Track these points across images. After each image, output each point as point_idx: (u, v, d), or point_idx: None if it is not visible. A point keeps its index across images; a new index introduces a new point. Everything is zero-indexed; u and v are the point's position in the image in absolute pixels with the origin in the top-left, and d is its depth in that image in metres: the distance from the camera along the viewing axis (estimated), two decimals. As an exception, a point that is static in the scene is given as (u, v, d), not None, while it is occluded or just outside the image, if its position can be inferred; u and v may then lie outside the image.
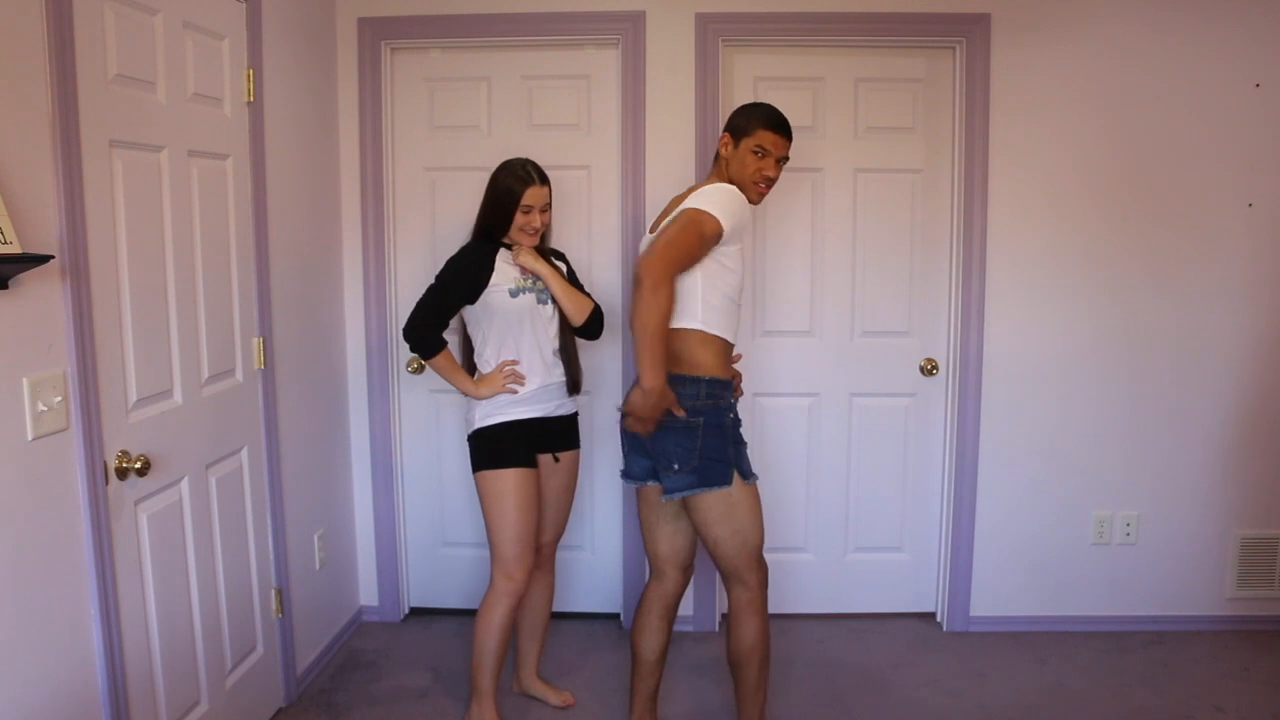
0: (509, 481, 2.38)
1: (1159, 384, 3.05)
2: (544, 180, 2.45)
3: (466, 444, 2.48)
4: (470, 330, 2.51)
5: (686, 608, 3.17)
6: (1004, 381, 3.06)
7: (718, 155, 2.33)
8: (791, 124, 3.00)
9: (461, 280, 2.41)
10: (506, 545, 2.39)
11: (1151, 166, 2.96)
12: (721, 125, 2.96)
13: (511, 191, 2.41)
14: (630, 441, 2.33)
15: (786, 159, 2.32)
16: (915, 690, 2.78)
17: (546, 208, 2.45)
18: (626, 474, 2.38)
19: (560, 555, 3.23)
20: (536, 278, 2.44)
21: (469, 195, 3.07)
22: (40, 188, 1.66)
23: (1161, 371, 3.05)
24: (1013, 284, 3.01)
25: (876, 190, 3.06)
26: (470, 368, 2.54)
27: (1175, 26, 2.89)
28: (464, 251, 2.47)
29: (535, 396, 2.44)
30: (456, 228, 3.09)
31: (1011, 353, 3.04)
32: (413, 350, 2.46)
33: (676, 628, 3.12)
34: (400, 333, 3.14)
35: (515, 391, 2.42)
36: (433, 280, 2.47)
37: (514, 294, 2.40)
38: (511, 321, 2.42)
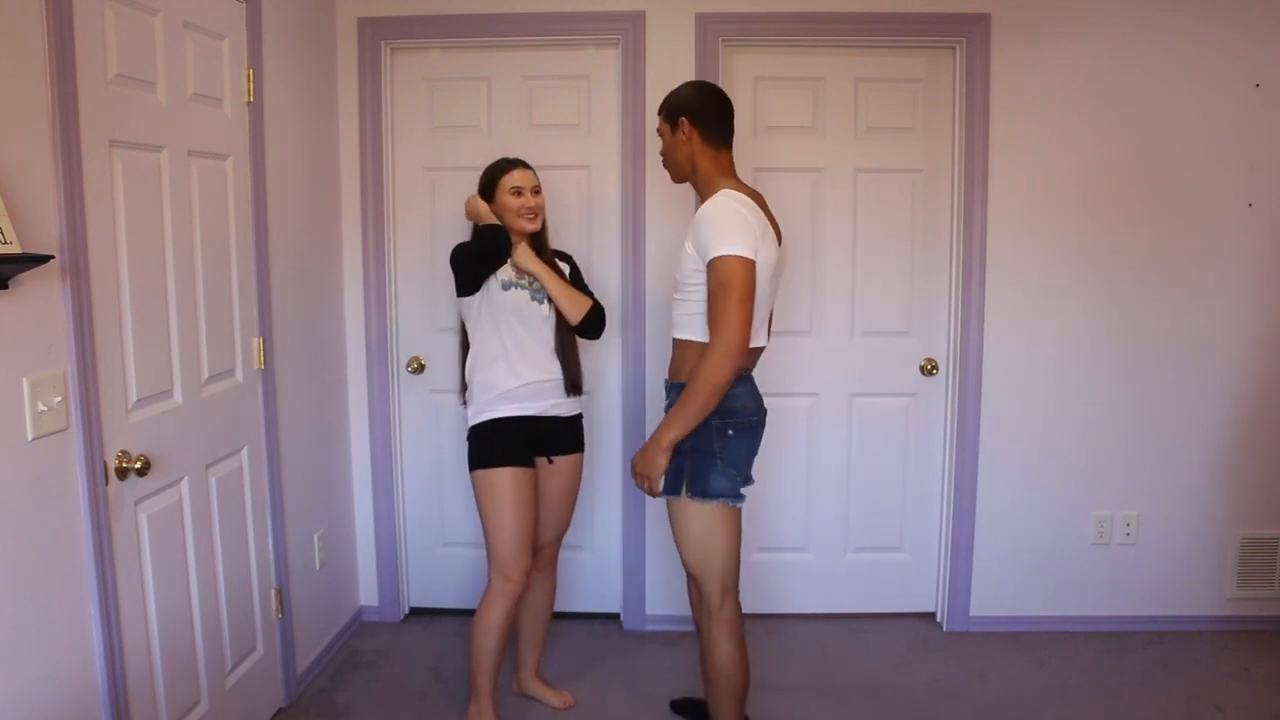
0: (502, 481, 2.37)
1: (1159, 384, 3.05)
2: (527, 166, 2.51)
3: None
4: (468, 327, 2.50)
5: (685, 607, 3.16)
6: (1004, 381, 3.06)
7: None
8: (791, 124, 3.05)
9: (494, 240, 2.34)
10: (502, 546, 2.38)
11: (1152, 166, 2.96)
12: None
13: (497, 173, 2.48)
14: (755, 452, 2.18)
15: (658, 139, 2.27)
16: (915, 690, 2.78)
17: (537, 190, 2.49)
18: (747, 483, 2.17)
19: (560, 555, 3.22)
20: (534, 278, 2.43)
21: (469, 195, 3.08)
22: (40, 188, 1.66)
23: (1161, 371, 3.05)
24: (1013, 284, 3.01)
25: (876, 190, 3.06)
26: (463, 379, 2.54)
27: (1175, 27, 2.89)
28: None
29: (527, 394, 2.42)
30: (456, 228, 3.09)
31: (1011, 353, 3.04)
32: (497, 255, 2.36)
33: (680, 628, 3.14)
34: (399, 330, 3.16)
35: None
36: (454, 256, 2.45)
37: (505, 287, 2.40)
38: (499, 314, 2.41)
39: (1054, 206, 2.98)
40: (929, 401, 3.16)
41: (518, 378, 2.41)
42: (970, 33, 2.91)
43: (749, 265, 1.94)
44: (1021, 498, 3.11)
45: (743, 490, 2.13)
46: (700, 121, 2.12)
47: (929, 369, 3.12)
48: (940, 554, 3.21)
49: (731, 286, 1.94)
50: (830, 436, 3.17)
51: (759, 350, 2.17)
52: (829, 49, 3.00)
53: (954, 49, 2.98)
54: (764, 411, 2.17)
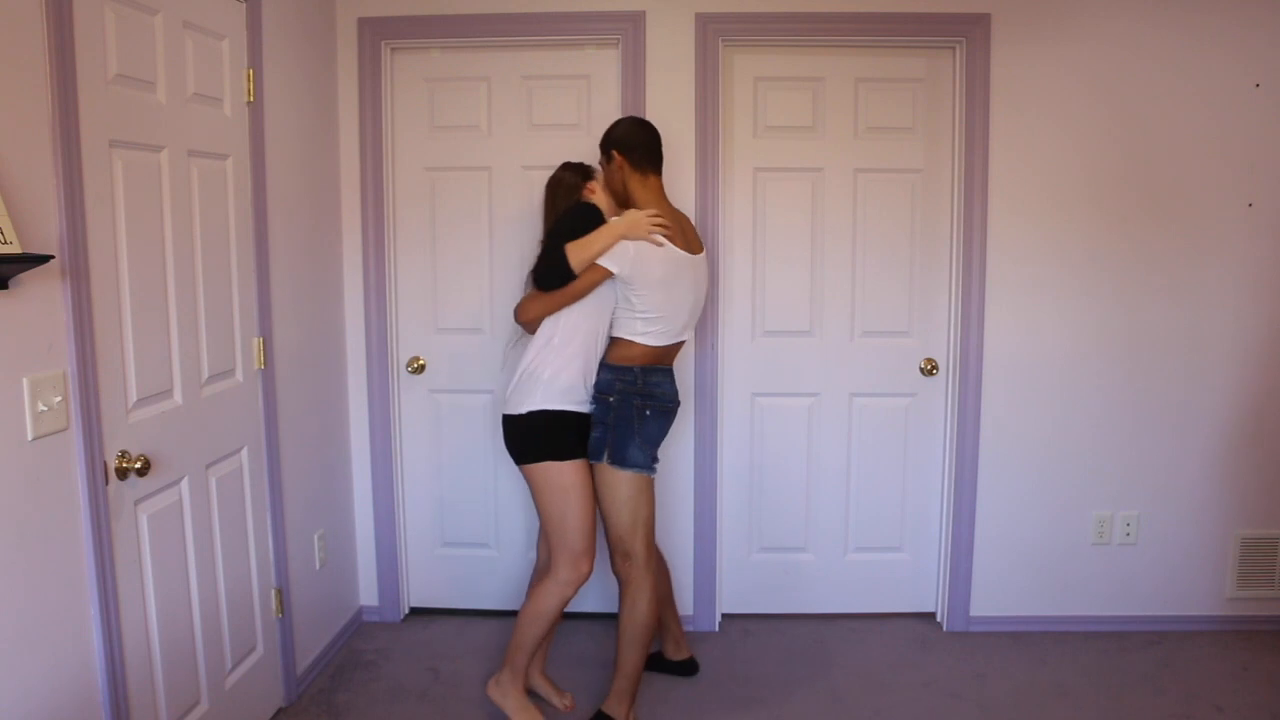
0: (573, 474, 2.38)
1: (1159, 383, 3.05)
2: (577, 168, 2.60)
3: (503, 425, 2.44)
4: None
5: (685, 607, 3.17)
6: (1004, 381, 3.06)
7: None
8: (791, 124, 3.05)
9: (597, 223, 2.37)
10: (578, 537, 2.38)
11: (1151, 167, 2.96)
12: (722, 125, 2.97)
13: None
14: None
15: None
16: (915, 690, 2.78)
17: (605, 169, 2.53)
18: (656, 460, 2.50)
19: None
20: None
21: (469, 195, 3.08)
22: (40, 188, 1.66)
23: (1161, 371, 3.05)
24: (1013, 284, 3.01)
25: (876, 190, 3.06)
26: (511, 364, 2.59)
27: (1175, 27, 2.89)
28: (579, 205, 2.47)
29: (588, 396, 2.43)
30: (457, 227, 3.10)
31: (1011, 353, 3.04)
32: (558, 283, 2.34)
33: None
34: (399, 330, 3.16)
35: (661, 243, 2.32)
36: (549, 237, 2.40)
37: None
38: (599, 310, 2.40)
39: (1053, 207, 2.98)
40: (929, 401, 3.16)
41: (589, 382, 2.42)
42: (970, 33, 2.91)
43: (598, 271, 2.32)
44: (1021, 498, 3.11)
45: (655, 466, 2.47)
46: (627, 152, 2.44)
47: (929, 369, 3.12)
48: (940, 554, 3.21)
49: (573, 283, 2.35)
50: (830, 436, 3.17)
51: (677, 347, 2.50)
52: (829, 49, 3.00)
53: (954, 49, 2.98)
54: (678, 402, 2.51)
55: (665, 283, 2.36)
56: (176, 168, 2.09)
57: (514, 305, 2.54)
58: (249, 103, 2.40)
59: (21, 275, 1.59)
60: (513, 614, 3.26)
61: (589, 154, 3.04)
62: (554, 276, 2.31)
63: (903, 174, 3.06)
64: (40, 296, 1.67)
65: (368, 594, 3.25)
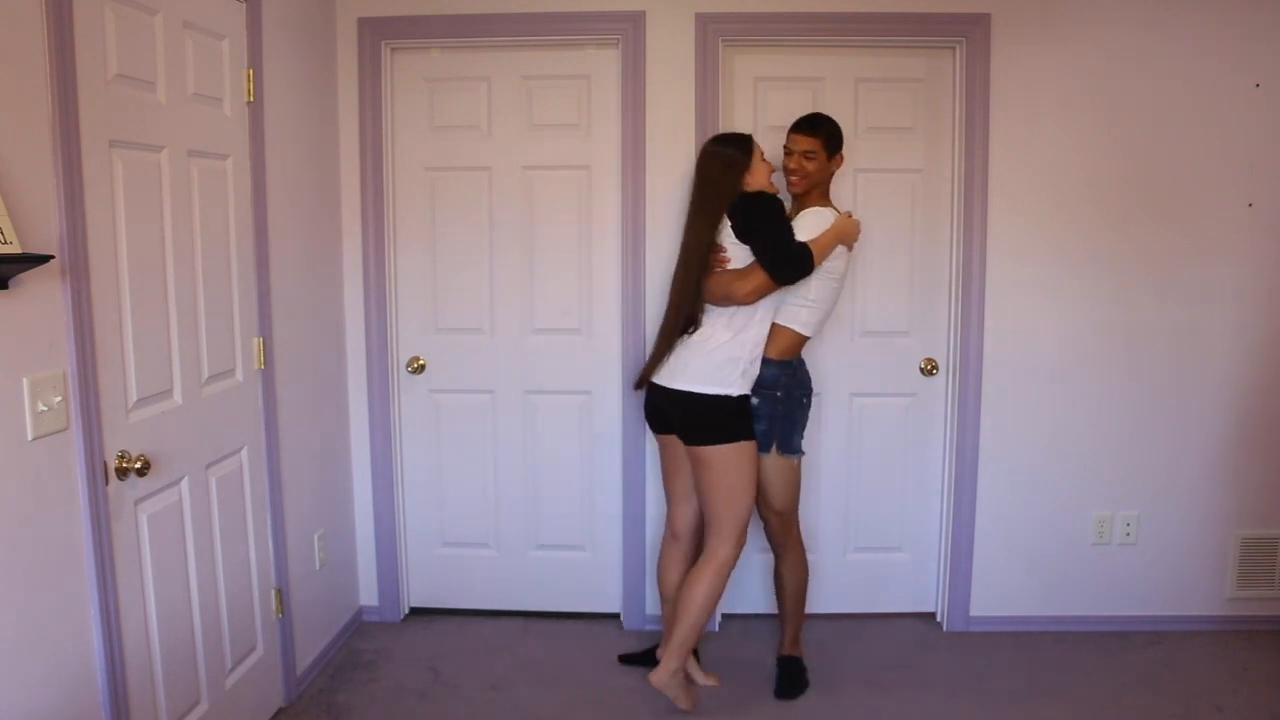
0: (755, 453, 2.55)
1: (1159, 383, 3.05)
2: (808, 129, 2.61)
3: (702, 403, 2.49)
4: (760, 308, 2.54)
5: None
6: (1004, 381, 3.06)
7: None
8: (791, 124, 3.04)
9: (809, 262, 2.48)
10: (749, 515, 2.56)
11: (1151, 166, 2.96)
12: (722, 125, 2.97)
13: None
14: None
15: (809, 152, 2.59)
16: (915, 690, 2.78)
17: (808, 156, 2.59)
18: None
19: (560, 555, 3.24)
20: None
21: (469, 195, 3.08)
22: (40, 188, 1.66)
23: (1161, 371, 3.05)
24: (1013, 284, 3.01)
25: (876, 190, 3.06)
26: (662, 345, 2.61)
27: (1175, 27, 2.89)
28: (766, 195, 2.52)
29: None
30: (457, 227, 3.10)
31: (1012, 352, 3.04)
32: (799, 278, 2.48)
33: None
34: (399, 330, 3.16)
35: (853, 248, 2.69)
36: (763, 225, 2.46)
37: None
38: (777, 302, 2.57)
39: (1053, 207, 2.98)
40: (929, 401, 3.16)
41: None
42: (970, 33, 2.91)
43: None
44: (1021, 498, 3.11)
45: None
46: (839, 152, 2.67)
47: (929, 369, 3.12)
48: (940, 554, 3.21)
49: None
50: (830, 436, 3.17)
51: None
52: (829, 49, 3.00)
53: (954, 49, 2.98)
54: None
55: (841, 277, 2.63)
56: (176, 168, 2.09)
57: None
58: (249, 103, 2.40)
59: (21, 275, 1.60)
60: (513, 614, 3.27)
61: (589, 154, 3.05)
62: (800, 273, 2.45)
63: (903, 174, 3.06)
64: (40, 296, 1.67)
65: (368, 594, 3.25)
